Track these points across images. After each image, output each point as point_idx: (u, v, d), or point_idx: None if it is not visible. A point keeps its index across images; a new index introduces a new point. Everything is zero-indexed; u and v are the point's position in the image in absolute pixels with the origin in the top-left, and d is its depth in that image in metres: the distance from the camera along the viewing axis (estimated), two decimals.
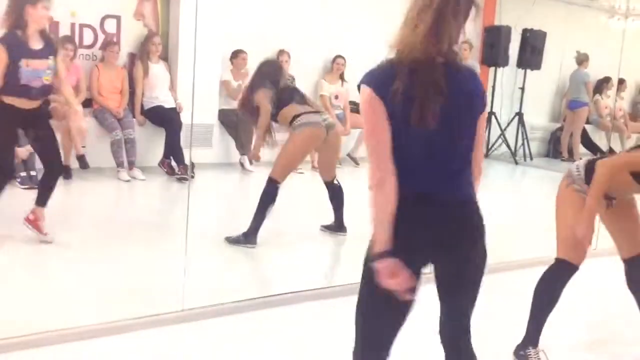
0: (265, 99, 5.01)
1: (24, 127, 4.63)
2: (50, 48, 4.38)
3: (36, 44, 4.31)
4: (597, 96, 11.00)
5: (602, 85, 10.98)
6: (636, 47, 8.60)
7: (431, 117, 1.91)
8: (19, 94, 4.29)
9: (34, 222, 4.65)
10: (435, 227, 2.01)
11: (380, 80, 1.95)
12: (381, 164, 1.94)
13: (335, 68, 8.51)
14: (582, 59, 10.52)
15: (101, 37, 7.26)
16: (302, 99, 5.15)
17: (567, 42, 10.44)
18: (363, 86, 1.96)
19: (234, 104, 7.83)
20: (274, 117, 5.09)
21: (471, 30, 9.62)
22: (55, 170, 4.65)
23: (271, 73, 5.18)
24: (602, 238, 3.82)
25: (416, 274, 2.04)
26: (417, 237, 2.01)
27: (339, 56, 8.49)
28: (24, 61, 4.24)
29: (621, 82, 9.33)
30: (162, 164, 7.17)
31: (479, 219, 2.11)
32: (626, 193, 3.44)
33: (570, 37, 10.50)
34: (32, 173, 6.06)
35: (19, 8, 4.23)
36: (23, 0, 4.24)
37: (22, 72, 4.24)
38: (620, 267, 3.57)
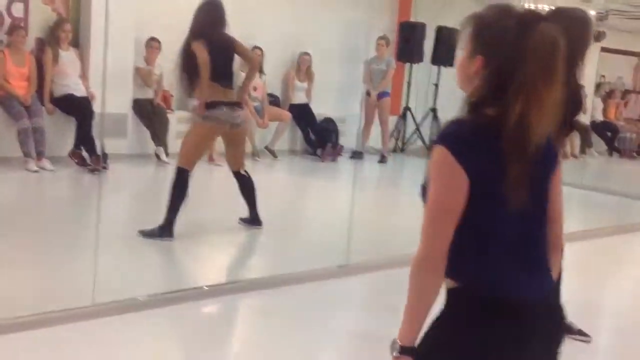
0: (204, 52, 4.71)
1: None
2: None
3: None
4: None
5: None
6: None
7: (526, 193, 1.60)
8: None
9: None
10: (520, 342, 1.61)
11: (462, 142, 1.60)
12: (439, 242, 1.59)
13: None
14: None
15: (8, 22, 6.97)
16: (228, 81, 4.97)
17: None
18: (440, 147, 1.59)
19: (149, 94, 7.69)
20: (193, 84, 4.87)
21: (387, 26, 9.77)
22: None
23: (209, 20, 4.84)
24: None
25: None
26: (495, 355, 1.60)
27: (257, 47, 8.42)
28: None
29: None
30: (72, 154, 6.93)
31: (562, 316, 1.74)
32: None
33: None
34: None
35: None
36: None
37: None
38: None
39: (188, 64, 4.81)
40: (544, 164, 1.68)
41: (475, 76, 1.64)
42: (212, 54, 4.76)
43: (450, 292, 1.65)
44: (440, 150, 1.59)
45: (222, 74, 4.87)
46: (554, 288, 1.69)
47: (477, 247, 1.62)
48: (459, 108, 1.67)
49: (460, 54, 1.69)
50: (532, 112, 1.56)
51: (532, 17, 1.60)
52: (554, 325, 1.71)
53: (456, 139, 1.60)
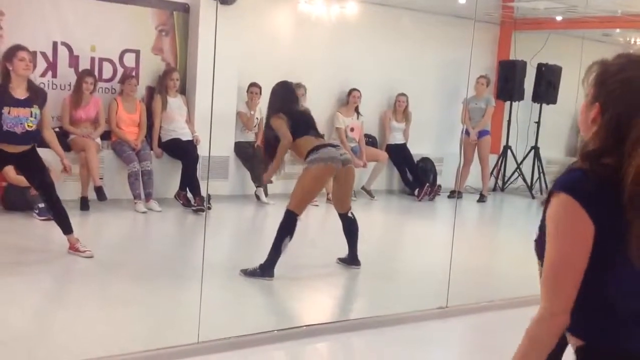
0: (284, 127, 5.06)
1: (16, 167, 5.32)
2: (35, 97, 4.82)
3: (21, 94, 4.77)
4: None
5: None
6: None
7: None
8: (4, 139, 4.72)
9: (72, 248, 5.07)
10: None
11: (590, 192, 1.51)
12: (562, 300, 1.52)
13: (350, 101, 8.56)
14: None
15: (120, 71, 7.36)
16: (317, 132, 5.24)
17: (582, 77, 10.44)
18: (565, 195, 1.51)
19: (250, 137, 7.93)
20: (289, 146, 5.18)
21: (487, 65, 9.68)
22: (52, 201, 5.02)
23: (285, 97, 5.27)
24: None
25: None
26: None
27: (355, 89, 8.55)
28: (6, 109, 4.70)
29: None
30: (178, 195, 7.21)
31: None
32: None
33: None
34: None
35: (3, 63, 4.84)
36: (4, 56, 4.88)
37: (5, 118, 4.69)
38: None
39: (273, 137, 5.21)
40: None
41: (593, 123, 1.61)
42: (294, 119, 5.14)
43: (580, 351, 1.61)
44: (565, 200, 1.51)
45: (309, 128, 5.19)
46: None
47: (603, 305, 1.56)
48: (576, 155, 1.62)
49: (584, 98, 1.67)
50: None
51: None
52: None
53: (583, 188, 1.51)
